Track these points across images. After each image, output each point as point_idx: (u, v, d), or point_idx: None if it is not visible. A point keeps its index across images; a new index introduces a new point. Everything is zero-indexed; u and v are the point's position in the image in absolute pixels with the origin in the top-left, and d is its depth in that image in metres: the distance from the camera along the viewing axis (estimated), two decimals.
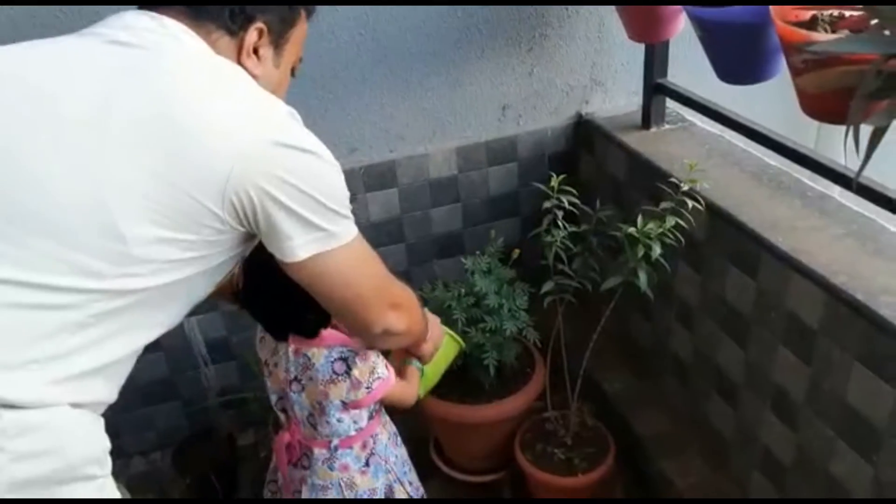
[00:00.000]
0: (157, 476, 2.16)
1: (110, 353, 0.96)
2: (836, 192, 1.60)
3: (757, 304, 1.54)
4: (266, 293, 1.31)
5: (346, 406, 1.34)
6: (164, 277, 0.95)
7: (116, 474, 1.03)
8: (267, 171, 0.94)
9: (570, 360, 1.83)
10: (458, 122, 2.05)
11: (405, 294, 1.26)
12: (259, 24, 1.05)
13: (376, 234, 2.11)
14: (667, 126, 2.00)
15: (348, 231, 1.06)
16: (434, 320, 1.48)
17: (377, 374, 1.35)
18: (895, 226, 1.45)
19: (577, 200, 1.69)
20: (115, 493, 1.01)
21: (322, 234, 1.01)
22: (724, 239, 1.61)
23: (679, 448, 1.85)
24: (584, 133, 2.14)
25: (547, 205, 1.70)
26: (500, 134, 2.10)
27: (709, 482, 1.76)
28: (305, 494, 1.40)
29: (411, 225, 2.14)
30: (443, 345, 1.52)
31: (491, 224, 2.18)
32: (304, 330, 1.33)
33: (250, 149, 0.93)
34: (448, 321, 1.76)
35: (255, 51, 1.07)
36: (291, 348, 1.35)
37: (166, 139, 0.90)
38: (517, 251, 1.80)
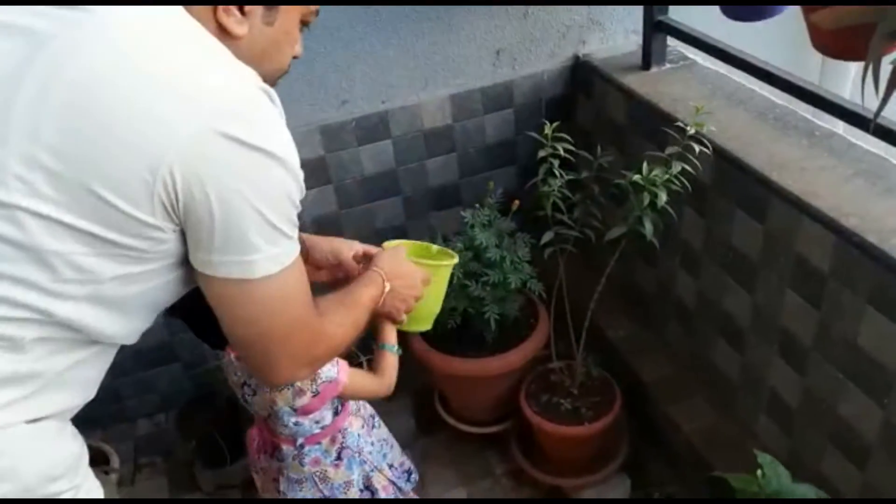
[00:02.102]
0: (164, 437, 2.16)
1: (63, 364, 0.88)
2: (840, 128, 1.56)
3: (764, 248, 1.51)
4: (190, 296, 1.21)
5: (296, 411, 1.31)
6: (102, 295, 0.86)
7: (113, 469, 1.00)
8: (204, 167, 0.81)
9: (573, 311, 1.81)
10: (451, 68, 1.98)
11: (332, 342, 1.04)
12: None
13: (370, 188, 2.05)
14: (668, 66, 1.92)
15: (287, 256, 0.89)
16: (401, 281, 1.26)
17: (322, 377, 1.29)
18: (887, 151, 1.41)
19: (573, 148, 1.65)
20: (93, 495, 0.96)
21: (242, 256, 0.85)
22: (731, 182, 1.56)
23: (685, 393, 1.84)
24: (582, 76, 2.07)
25: (542, 153, 1.65)
26: (494, 80, 2.03)
27: (715, 426, 1.76)
28: (283, 487, 1.39)
29: (406, 177, 2.09)
30: (430, 278, 1.33)
31: (488, 174, 2.12)
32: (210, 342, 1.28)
33: (191, 147, 0.80)
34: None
35: (241, 5, 0.90)
36: (232, 355, 1.32)
37: (82, 133, 0.79)
38: (517, 202, 1.76)
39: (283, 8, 0.95)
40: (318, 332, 0.99)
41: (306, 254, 1.33)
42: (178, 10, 0.87)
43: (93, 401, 0.98)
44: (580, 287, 1.82)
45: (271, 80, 0.97)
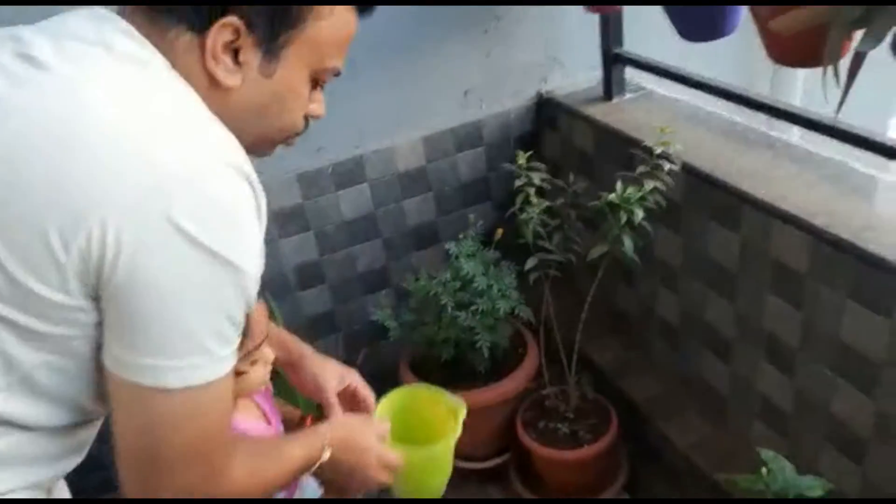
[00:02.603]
0: None
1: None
2: (795, 137, 1.65)
3: (741, 256, 1.56)
4: None
5: None
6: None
7: None
8: (144, 253, 0.70)
9: (562, 337, 1.84)
10: (422, 111, 2.04)
11: (235, 483, 0.85)
12: (230, 19, 0.78)
13: (350, 232, 2.08)
14: (628, 95, 2.01)
15: (202, 373, 0.76)
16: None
17: None
18: (864, 166, 1.49)
19: (547, 175, 1.70)
20: None
21: (154, 360, 0.73)
22: (702, 197, 1.63)
23: (676, 409, 1.86)
24: (547, 112, 2.15)
25: (518, 183, 1.71)
26: (464, 119, 2.09)
27: (709, 439, 1.78)
28: None
29: (385, 219, 2.12)
30: (407, 465, 1.13)
31: (464, 210, 2.16)
32: None
33: (135, 221, 0.69)
34: (436, 307, 1.75)
35: (236, 53, 0.81)
36: None
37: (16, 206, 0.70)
38: (500, 231, 1.80)
39: (284, 61, 0.83)
40: (217, 471, 0.82)
41: (294, 368, 1.23)
42: (160, 64, 0.78)
43: None
44: (566, 313, 1.86)
45: (273, 140, 0.91)
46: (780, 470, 1.21)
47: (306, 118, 0.91)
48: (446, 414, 1.24)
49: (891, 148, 1.30)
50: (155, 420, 0.76)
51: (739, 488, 1.24)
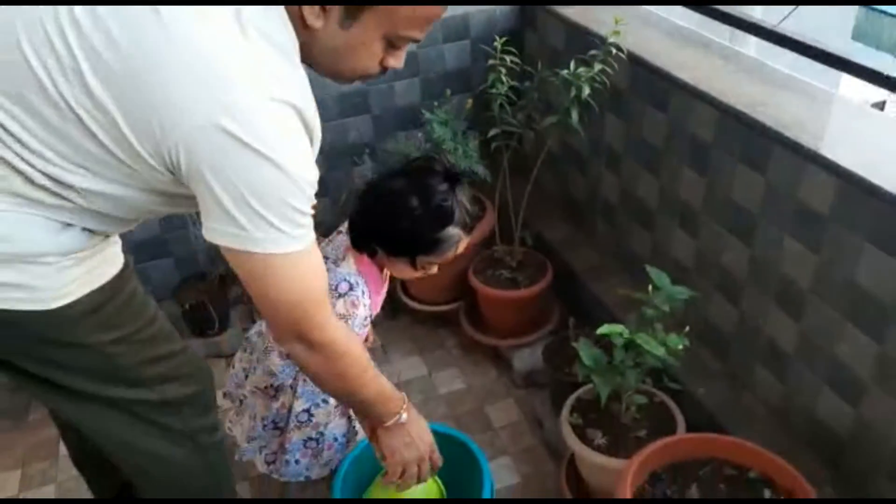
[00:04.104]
0: None
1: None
2: (726, 38, 1.93)
3: (667, 135, 1.86)
4: None
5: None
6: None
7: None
8: (205, 150, 0.91)
9: (513, 200, 2.14)
10: None
11: (329, 340, 1.12)
12: None
13: (343, 105, 2.35)
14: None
15: (275, 242, 0.97)
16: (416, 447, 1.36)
17: None
18: (772, 61, 1.78)
19: (518, 60, 1.98)
20: (74, 272, 1.07)
21: (237, 229, 0.95)
22: (643, 83, 1.91)
23: (607, 275, 2.18)
24: (529, 12, 2.41)
25: (491, 62, 1.98)
26: (453, 12, 2.35)
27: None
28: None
29: (376, 97, 2.40)
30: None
31: (442, 103, 2.43)
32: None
33: (197, 128, 0.90)
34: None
35: (323, 5, 0.96)
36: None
37: (128, 85, 0.91)
38: (470, 101, 2.08)
39: (360, 21, 0.97)
40: (317, 324, 1.08)
41: None
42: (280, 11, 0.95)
43: None
44: (519, 187, 2.16)
45: (347, 77, 1.07)
46: (662, 284, 1.52)
47: (383, 66, 1.07)
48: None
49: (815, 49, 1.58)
50: (256, 278, 1.01)
51: (630, 299, 1.55)
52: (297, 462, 1.62)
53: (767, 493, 1.39)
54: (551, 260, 2.27)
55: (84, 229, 1.07)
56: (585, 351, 1.50)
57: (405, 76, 2.39)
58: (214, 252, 2.38)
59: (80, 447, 1.55)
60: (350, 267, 1.49)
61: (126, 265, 1.18)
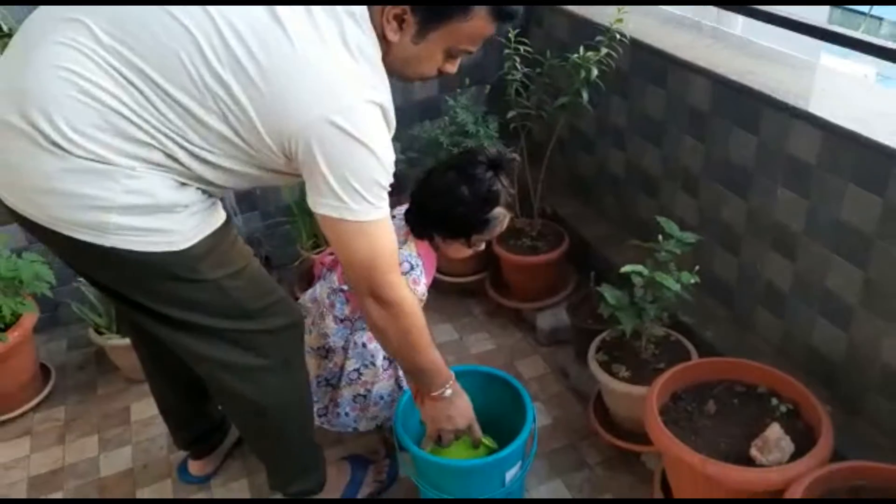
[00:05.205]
0: None
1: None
2: (713, 19, 2.16)
3: (667, 108, 2.09)
4: None
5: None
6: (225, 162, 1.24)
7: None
8: (318, 140, 1.15)
9: (533, 184, 2.36)
10: None
11: (399, 298, 1.34)
12: (402, 7, 1.20)
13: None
14: None
15: (365, 213, 1.22)
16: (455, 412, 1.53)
17: None
18: (756, 38, 2.01)
19: (530, 49, 2.21)
20: (195, 220, 1.28)
21: (338, 202, 1.20)
22: (643, 64, 2.14)
23: (616, 241, 2.40)
24: (534, 10, 2.65)
25: (507, 51, 2.21)
26: None
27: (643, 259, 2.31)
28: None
29: (397, 92, 2.59)
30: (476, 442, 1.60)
31: (462, 91, 2.67)
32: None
33: (314, 123, 1.15)
34: (436, 147, 2.26)
35: (401, 20, 1.21)
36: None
37: (263, 90, 1.14)
38: (488, 86, 2.31)
39: (429, 39, 1.25)
40: (388, 282, 1.31)
41: None
42: (362, 12, 1.19)
43: None
44: (534, 171, 2.38)
45: (412, 78, 1.37)
46: (672, 231, 1.74)
47: (440, 71, 1.35)
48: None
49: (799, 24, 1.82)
50: (344, 241, 1.26)
51: (642, 253, 1.76)
52: (346, 414, 1.83)
53: (775, 402, 1.60)
54: (567, 231, 2.49)
55: (198, 189, 1.29)
56: (609, 292, 1.72)
57: None
58: (256, 238, 2.59)
59: (154, 365, 1.75)
60: (411, 250, 1.73)
61: (228, 217, 1.39)
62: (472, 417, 1.59)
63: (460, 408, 1.55)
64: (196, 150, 1.21)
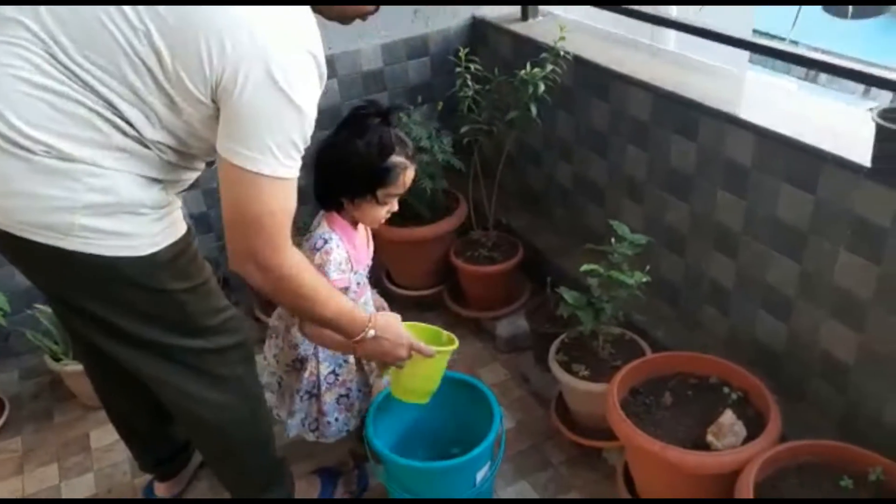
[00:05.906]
0: None
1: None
2: (648, 38, 2.30)
3: (610, 120, 2.20)
4: None
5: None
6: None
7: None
8: (251, 84, 1.14)
9: (486, 192, 2.44)
10: (381, 24, 2.60)
11: (278, 261, 1.27)
12: None
13: (319, 119, 2.58)
14: (539, 18, 2.64)
15: (269, 168, 1.18)
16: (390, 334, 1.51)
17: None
18: (694, 54, 2.15)
19: (480, 66, 2.30)
20: (160, 225, 1.30)
21: (244, 150, 1.16)
22: (586, 79, 2.26)
23: (567, 251, 2.49)
24: (480, 29, 2.75)
25: (458, 69, 2.29)
26: (413, 33, 2.67)
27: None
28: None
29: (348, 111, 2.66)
30: (421, 351, 1.55)
31: (415, 108, 2.74)
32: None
33: (252, 68, 1.13)
34: None
35: None
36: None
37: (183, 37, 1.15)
38: (440, 103, 2.39)
39: None
40: (276, 245, 1.25)
41: None
42: None
43: None
44: (487, 185, 2.46)
45: (348, 19, 1.44)
46: (624, 233, 1.83)
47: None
48: (446, 341, 1.68)
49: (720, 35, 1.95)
50: (239, 192, 1.20)
51: (594, 256, 1.85)
52: (336, 420, 1.83)
53: (726, 391, 1.70)
54: (520, 243, 2.57)
55: (161, 189, 1.30)
56: (568, 293, 1.80)
57: (375, 90, 2.68)
58: (213, 259, 2.59)
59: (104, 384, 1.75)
60: (323, 228, 1.70)
61: (189, 227, 1.41)
62: (408, 344, 1.54)
63: (392, 342, 1.52)
64: (144, 111, 1.20)
